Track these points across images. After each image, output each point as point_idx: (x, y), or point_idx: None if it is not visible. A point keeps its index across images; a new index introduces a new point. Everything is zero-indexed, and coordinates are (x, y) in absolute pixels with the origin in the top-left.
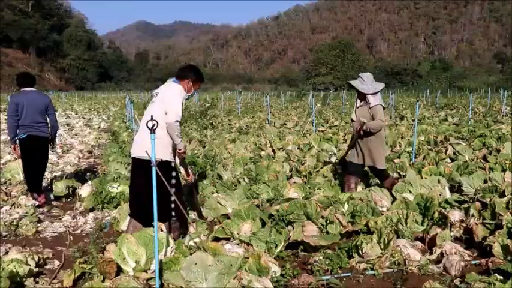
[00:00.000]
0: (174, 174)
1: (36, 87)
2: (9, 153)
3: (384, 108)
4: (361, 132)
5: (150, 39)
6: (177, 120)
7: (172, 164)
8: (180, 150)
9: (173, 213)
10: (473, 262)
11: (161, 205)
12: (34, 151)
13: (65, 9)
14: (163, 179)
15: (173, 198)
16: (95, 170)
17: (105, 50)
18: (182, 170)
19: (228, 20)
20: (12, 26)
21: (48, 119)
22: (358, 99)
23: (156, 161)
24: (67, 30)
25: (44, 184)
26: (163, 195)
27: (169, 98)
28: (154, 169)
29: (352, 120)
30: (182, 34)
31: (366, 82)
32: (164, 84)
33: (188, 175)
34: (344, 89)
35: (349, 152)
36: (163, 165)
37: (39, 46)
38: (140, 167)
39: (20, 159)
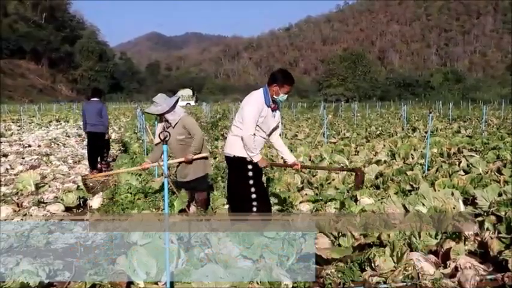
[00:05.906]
0: (250, 167)
1: (48, 98)
2: (21, 164)
3: None
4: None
5: (162, 50)
6: (250, 134)
7: (248, 159)
8: (257, 161)
9: (254, 207)
10: (488, 277)
11: (241, 196)
12: (93, 141)
13: (78, 21)
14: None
15: (253, 190)
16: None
17: (117, 61)
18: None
19: (239, 32)
20: (26, 38)
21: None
22: (163, 123)
23: (233, 156)
24: (79, 42)
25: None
26: (240, 187)
27: (244, 108)
28: (166, 180)
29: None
30: (193, 45)
31: (159, 103)
32: None
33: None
34: (356, 100)
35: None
36: (238, 161)
37: (52, 57)
38: (227, 163)
39: (30, 170)
